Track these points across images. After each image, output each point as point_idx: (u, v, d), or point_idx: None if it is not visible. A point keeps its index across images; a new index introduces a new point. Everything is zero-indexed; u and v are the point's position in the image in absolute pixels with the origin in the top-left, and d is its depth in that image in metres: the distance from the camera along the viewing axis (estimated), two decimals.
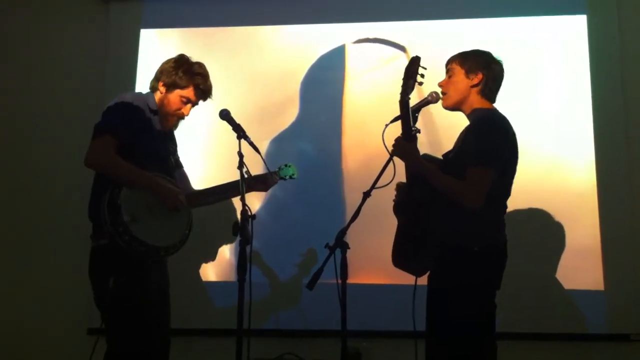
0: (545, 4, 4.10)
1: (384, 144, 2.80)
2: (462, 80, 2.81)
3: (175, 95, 3.00)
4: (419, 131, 2.78)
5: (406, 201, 2.87)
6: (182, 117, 3.05)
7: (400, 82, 2.78)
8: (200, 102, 3.08)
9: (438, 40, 4.00)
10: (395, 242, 2.92)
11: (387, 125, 2.82)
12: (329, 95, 4.17)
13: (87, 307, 3.18)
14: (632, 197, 3.85)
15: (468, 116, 2.84)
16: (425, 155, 2.83)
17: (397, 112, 2.79)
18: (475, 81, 2.79)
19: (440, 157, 2.89)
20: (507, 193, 2.79)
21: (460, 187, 2.66)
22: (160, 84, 3.00)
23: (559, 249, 3.84)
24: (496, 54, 2.87)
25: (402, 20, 4.19)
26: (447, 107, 2.87)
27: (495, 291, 2.72)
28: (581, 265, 3.79)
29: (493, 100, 2.85)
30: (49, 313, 4.11)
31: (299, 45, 4.24)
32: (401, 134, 2.78)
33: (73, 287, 3.87)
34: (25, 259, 4.19)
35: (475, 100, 2.81)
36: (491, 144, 2.66)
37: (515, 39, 4.02)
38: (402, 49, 4.12)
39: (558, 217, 3.85)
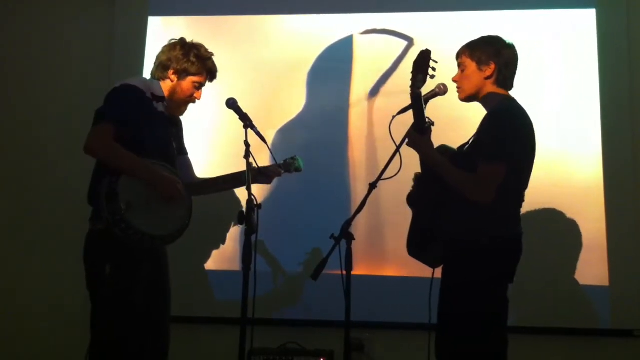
0: None
1: (391, 135, 2.78)
2: (474, 74, 2.76)
3: (188, 82, 3.00)
4: (432, 123, 2.73)
5: (419, 193, 2.86)
6: (194, 102, 3.05)
7: (408, 74, 2.74)
8: (206, 90, 3.08)
9: (446, 33, 3.98)
10: (409, 233, 2.92)
11: (394, 117, 2.79)
12: (336, 85, 4.15)
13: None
14: (638, 192, 3.83)
15: (485, 106, 2.80)
16: (441, 147, 2.80)
17: (405, 103, 2.76)
18: (488, 72, 2.75)
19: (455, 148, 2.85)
20: (523, 185, 2.74)
21: (470, 181, 2.63)
22: (171, 72, 2.98)
23: (565, 244, 3.83)
24: (507, 38, 2.80)
25: (410, 11, 4.16)
26: (462, 100, 2.84)
27: (508, 285, 2.69)
28: (586, 261, 3.78)
29: (509, 87, 2.80)
30: (51, 306, 4.09)
31: (306, 35, 4.22)
32: (414, 127, 2.73)
33: (76, 280, 3.85)
34: (27, 250, 4.17)
35: (491, 90, 2.76)
36: (502, 137, 2.62)
37: (523, 32, 3.97)
38: (411, 40, 4.10)
39: (563, 211, 3.84)
